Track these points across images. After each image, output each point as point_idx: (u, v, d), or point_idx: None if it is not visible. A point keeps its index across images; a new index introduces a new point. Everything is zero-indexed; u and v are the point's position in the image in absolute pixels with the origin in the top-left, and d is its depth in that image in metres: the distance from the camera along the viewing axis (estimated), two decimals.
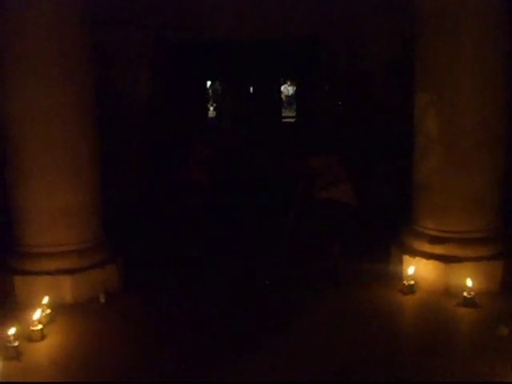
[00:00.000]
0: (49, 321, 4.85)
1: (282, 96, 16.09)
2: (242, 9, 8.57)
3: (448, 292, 5.34)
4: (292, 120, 15.36)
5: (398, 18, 7.24)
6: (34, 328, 4.59)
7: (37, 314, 4.70)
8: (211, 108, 15.09)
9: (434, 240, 5.61)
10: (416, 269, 5.49)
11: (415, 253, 5.67)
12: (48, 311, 4.91)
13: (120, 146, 7.97)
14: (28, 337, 4.56)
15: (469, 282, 5.14)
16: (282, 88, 12.53)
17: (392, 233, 6.13)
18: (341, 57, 8.84)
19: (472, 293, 5.10)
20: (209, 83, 14.27)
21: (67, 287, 5.37)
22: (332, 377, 4.02)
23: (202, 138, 7.60)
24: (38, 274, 5.36)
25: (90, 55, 5.61)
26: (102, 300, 5.38)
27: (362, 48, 8.67)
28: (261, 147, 8.98)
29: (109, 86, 7.80)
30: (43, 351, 4.50)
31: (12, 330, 4.37)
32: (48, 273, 5.36)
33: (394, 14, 7.64)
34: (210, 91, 14.55)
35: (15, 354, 4.29)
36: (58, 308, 5.04)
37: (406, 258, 5.66)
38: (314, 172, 6.37)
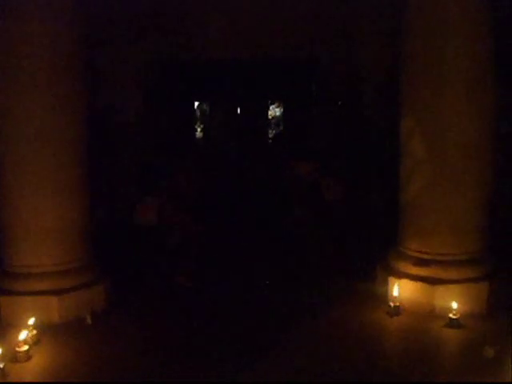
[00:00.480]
0: (35, 342, 4.81)
1: (269, 117, 16.14)
2: (233, 29, 8.62)
3: (434, 314, 5.36)
4: None
5: (389, 40, 7.32)
6: (19, 349, 4.56)
7: (23, 335, 4.66)
8: (198, 129, 15.10)
9: (419, 262, 5.65)
10: (401, 290, 5.52)
11: (400, 274, 5.70)
12: (34, 332, 4.87)
13: (108, 164, 7.97)
14: (13, 358, 4.53)
15: (454, 304, 5.17)
16: (270, 109, 12.55)
17: (380, 253, 6.17)
18: (332, 77, 8.89)
19: (458, 314, 5.13)
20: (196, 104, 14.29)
21: (53, 308, 5.34)
22: None
23: (186, 168, 7.37)
24: (23, 294, 5.33)
25: (83, 75, 5.65)
26: (89, 321, 5.35)
27: (353, 68, 8.74)
28: (256, 158, 9.03)
29: (98, 105, 7.81)
30: (29, 372, 4.46)
31: None
32: (34, 293, 5.32)
33: (384, 34, 7.72)
34: (198, 112, 14.56)
35: (0, 375, 4.24)
36: (43, 329, 5.01)
37: (392, 280, 5.68)
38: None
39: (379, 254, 6.19)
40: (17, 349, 4.56)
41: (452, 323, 5.12)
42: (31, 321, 4.92)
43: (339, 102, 7.04)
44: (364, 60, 8.60)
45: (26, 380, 4.36)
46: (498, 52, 5.50)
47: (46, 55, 5.30)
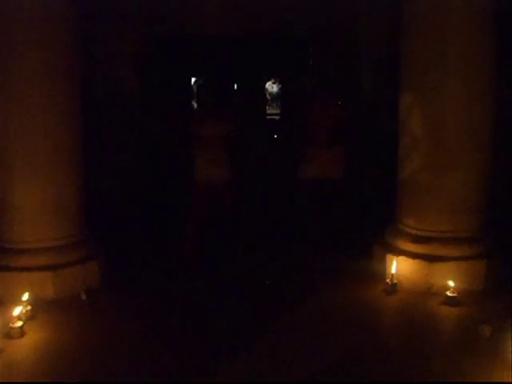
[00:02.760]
0: (29, 318, 4.78)
1: (267, 93, 16.07)
2: (230, 4, 8.50)
3: (431, 291, 5.34)
4: (276, 117, 15.34)
5: (388, 18, 7.23)
6: (13, 325, 4.53)
7: (17, 311, 4.63)
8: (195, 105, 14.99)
9: (417, 239, 5.62)
10: (399, 268, 5.49)
11: (398, 251, 5.68)
12: (28, 308, 4.83)
13: (105, 139, 7.90)
14: (8, 334, 4.50)
15: (452, 282, 5.16)
16: (267, 85, 12.45)
17: (377, 230, 6.14)
18: (330, 56, 8.80)
19: (455, 292, 5.11)
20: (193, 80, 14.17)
21: (48, 284, 5.30)
22: (318, 376, 4.00)
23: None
24: (18, 270, 5.28)
25: (76, 52, 5.55)
26: (83, 297, 5.31)
27: (352, 47, 8.66)
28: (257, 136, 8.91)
29: (93, 79, 7.72)
30: (23, 348, 4.43)
31: None
32: (28, 269, 5.28)
33: (384, 13, 7.63)
34: (195, 88, 14.45)
35: None
36: (38, 305, 4.97)
37: (389, 257, 5.65)
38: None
39: (377, 230, 6.15)
40: (11, 325, 4.53)
41: (449, 301, 5.10)
42: (25, 297, 4.89)
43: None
44: (363, 35, 8.51)
45: (20, 356, 4.33)
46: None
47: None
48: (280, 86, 14.99)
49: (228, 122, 6.37)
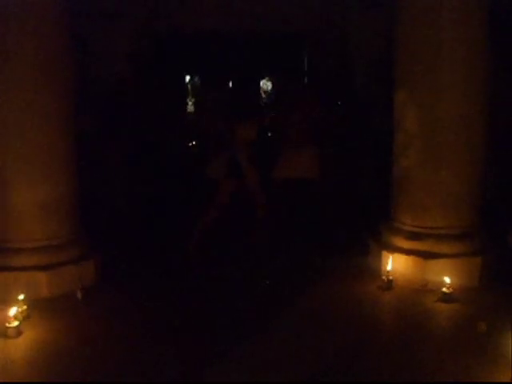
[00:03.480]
0: (25, 317, 4.77)
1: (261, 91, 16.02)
2: (225, 3, 8.51)
3: (426, 288, 5.35)
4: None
5: (383, 16, 7.24)
6: (9, 325, 4.52)
7: (12, 311, 4.62)
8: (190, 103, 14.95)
9: (412, 236, 5.63)
10: (394, 264, 5.51)
11: (394, 248, 5.68)
12: (24, 307, 4.82)
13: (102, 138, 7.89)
14: (4, 333, 4.49)
15: (447, 278, 5.17)
16: (261, 83, 12.43)
17: (372, 227, 6.15)
18: (325, 54, 8.81)
19: (450, 289, 5.12)
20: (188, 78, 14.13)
21: (43, 283, 5.30)
22: (315, 374, 4.00)
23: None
24: (13, 269, 5.27)
25: (69, 48, 5.54)
26: (79, 296, 5.30)
27: (347, 45, 8.67)
28: None
29: (88, 76, 7.71)
30: (19, 348, 4.43)
31: None
32: (23, 268, 5.27)
33: (379, 11, 7.64)
34: (189, 86, 14.42)
35: None
36: (34, 304, 4.96)
37: (385, 254, 5.66)
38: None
39: (372, 227, 6.16)
40: (7, 324, 4.52)
41: (445, 297, 5.11)
42: (21, 296, 4.88)
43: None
44: (357, 33, 8.53)
45: (17, 356, 4.34)
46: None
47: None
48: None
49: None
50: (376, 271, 5.67)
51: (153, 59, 8.83)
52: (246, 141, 6.45)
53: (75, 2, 5.59)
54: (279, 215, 6.72)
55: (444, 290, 5.12)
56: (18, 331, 4.55)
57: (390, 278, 5.43)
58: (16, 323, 4.56)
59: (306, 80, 9.49)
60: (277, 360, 4.21)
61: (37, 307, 4.98)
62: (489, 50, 5.45)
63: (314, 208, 6.89)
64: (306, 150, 6.61)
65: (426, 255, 5.48)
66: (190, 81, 13.31)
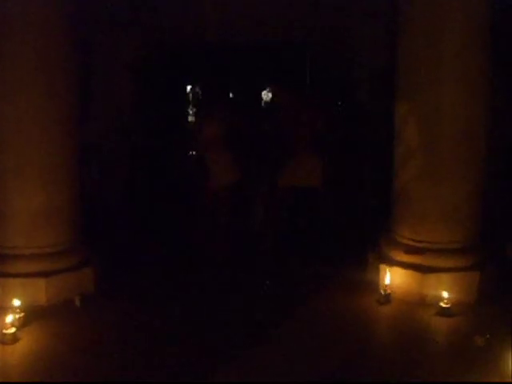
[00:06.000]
0: (22, 324, 4.77)
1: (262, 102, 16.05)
2: (226, 14, 8.55)
3: (425, 302, 5.35)
4: None
5: (385, 26, 7.29)
6: (6, 331, 4.52)
7: (10, 317, 4.63)
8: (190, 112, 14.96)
9: (411, 250, 5.62)
10: (393, 278, 5.50)
11: (392, 262, 5.68)
12: (22, 314, 4.82)
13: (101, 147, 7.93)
14: (1, 340, 4.49)
15: (445, 293, 5.17)
16: (262, 94, 12.45)
17: (371, 240, 6.15)
18: (327, 64, 8.83)
19: (449, 303, 5.12)
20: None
21: (42, 290, 5.29)
22: None
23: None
24: (11, 276, 5.27)
25: (74, 54, 5.56)
26: (78, 303, 5.30)
27: (349, 56, 8.69)
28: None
29: (90, 85, 7.74)
30: (16, 354, 4.43)
31: None
32: (22, 275, 5.27)
33: (381, 22, 7.68)
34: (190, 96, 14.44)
35: None
36: (32, 311, 4.96)
37: (383, 267, 5.65)
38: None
39: (370, 240, 6.16)
40: (4, 331, 4.53)
41: (443, 312, 5.11)
42: (19, 303, 4.88)
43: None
44: (359, 44, 8.55)
45: (13, 362, 4.34)
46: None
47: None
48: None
49: None
50: (374, 284, 5.66)
51: (153, 70, 8.83)
52: (213, 139, 6.44)
53: (80, 8, 5.59)
54: (277, 225, 6.75)
55: (442, 304, 5.12)
56: (15, 338, 4.55)
57: (388, 291, 5.42)
58: (13, 330, 4.56)
59: (307, 91, 9.48)
60: (274, 373, 4.20)
61: (35, 314, 4.98)
62: (489, 68, 5.46)
63: (313, 218, 6.89)
64: (310, 158, 6.65)
65: (425, 269, 5.47)
66: (191, 90, 13.34)
